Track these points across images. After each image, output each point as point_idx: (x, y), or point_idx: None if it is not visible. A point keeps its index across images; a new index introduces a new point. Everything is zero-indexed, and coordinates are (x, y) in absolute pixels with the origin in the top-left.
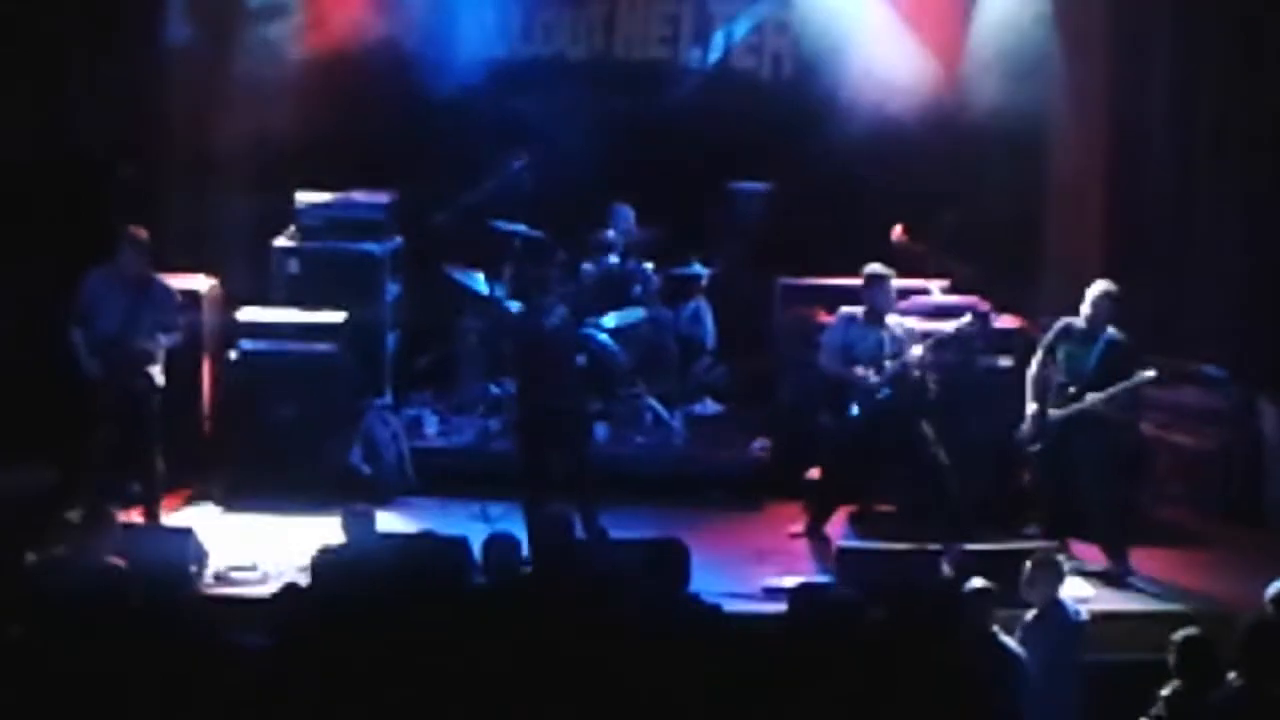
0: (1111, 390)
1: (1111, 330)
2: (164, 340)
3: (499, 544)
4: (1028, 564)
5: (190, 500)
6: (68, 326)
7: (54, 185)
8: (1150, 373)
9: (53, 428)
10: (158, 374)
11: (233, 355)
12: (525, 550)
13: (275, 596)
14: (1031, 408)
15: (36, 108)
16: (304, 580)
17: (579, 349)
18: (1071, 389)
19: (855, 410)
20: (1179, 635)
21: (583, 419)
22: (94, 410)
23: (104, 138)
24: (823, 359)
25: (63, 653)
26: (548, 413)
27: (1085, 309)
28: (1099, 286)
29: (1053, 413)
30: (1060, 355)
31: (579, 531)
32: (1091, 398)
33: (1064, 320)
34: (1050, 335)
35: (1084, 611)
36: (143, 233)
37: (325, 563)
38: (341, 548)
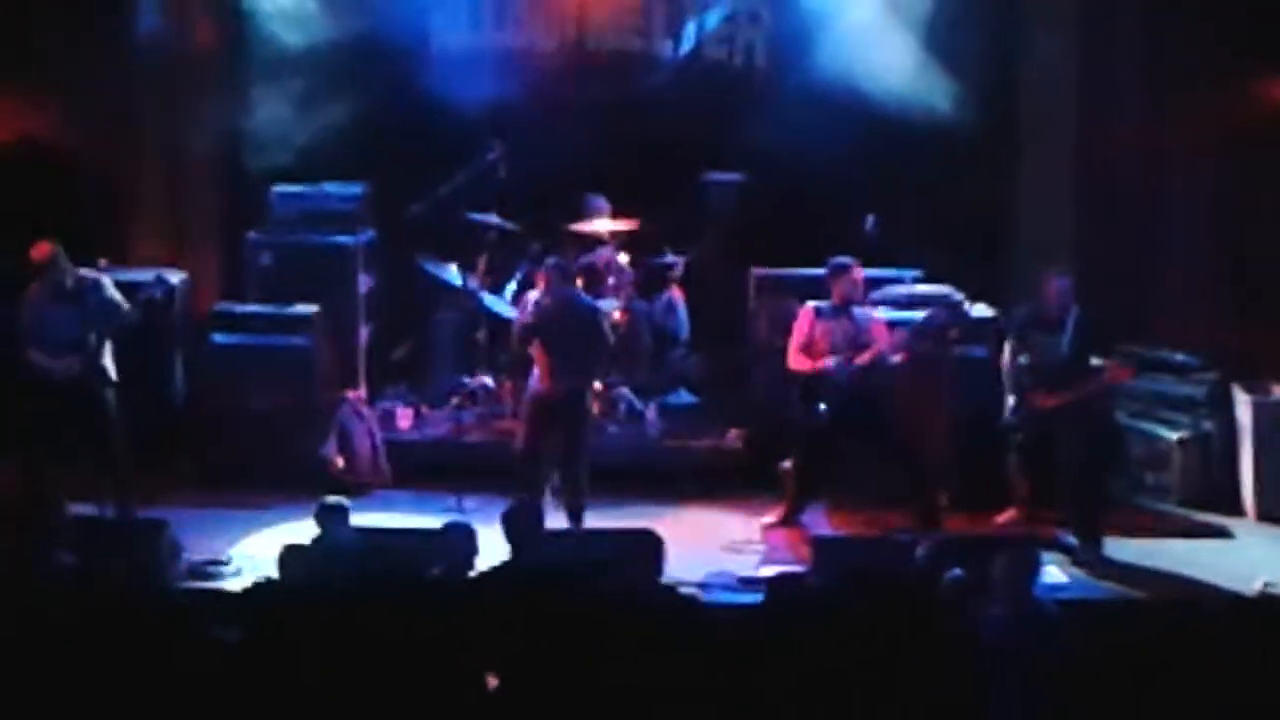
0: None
1: (1077, 310)
2: (109, 335)
3: (458, 534)
4: (1002, 553)
5: (164, 494)
6: (22, 350)
7: (23, 181)
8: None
9: (14, 430)
10: (109, 367)
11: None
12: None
13: (245, 592)
14: (1011, 399)
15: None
16: (275, 574)
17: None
18: (1050, 376)
19: (823, 407)
20: None
21: (586, 403)
22: (52, 411)
23: (76, 132)
24: (791, 362)
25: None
26: (562, 396)
27: (1045, 296)
28: (1050, 274)
29: (1039, 402)
30: (1032, 343)
31: (565, 521)
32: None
33: (1029, 305)
34: (1020, 322)
35: (1057, 601)
36: (52, 248)
37: (296, 557)
38: (314, 542)
